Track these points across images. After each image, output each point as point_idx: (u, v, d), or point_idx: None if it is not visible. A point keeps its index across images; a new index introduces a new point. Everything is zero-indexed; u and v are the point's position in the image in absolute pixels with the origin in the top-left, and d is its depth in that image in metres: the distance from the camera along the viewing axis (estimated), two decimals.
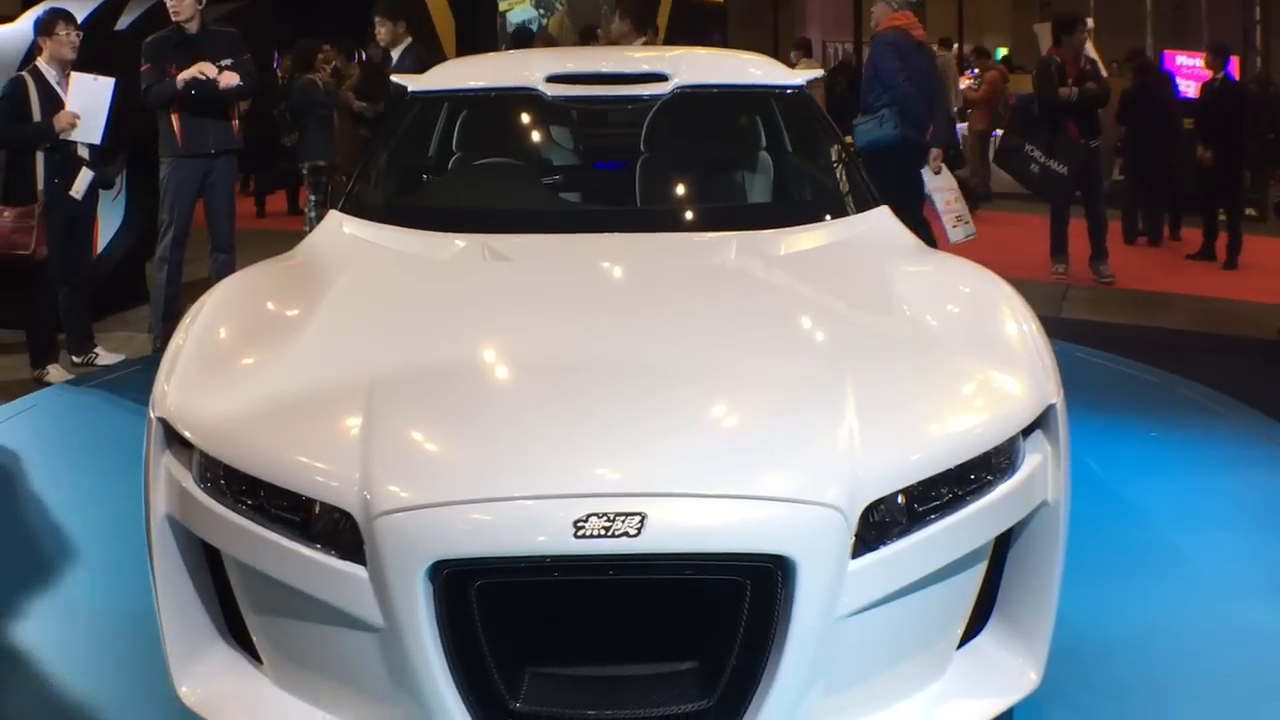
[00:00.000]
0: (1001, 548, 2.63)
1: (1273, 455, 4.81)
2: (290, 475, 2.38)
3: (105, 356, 6.44)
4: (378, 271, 3.33)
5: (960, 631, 2.60)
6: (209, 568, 2.58)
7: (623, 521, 2.18)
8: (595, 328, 2.89)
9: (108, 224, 7.59)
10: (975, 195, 13.97)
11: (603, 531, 2.18)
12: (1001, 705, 2.55)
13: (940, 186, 6.60)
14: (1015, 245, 9.51)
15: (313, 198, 9.06)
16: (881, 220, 3.69)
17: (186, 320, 2.88)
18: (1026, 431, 2.62)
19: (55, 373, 6.13)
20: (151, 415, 2.63)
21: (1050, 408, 2.65)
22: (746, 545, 2.23)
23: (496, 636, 2.24)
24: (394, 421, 2.43)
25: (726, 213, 3.87)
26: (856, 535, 2.30)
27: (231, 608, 2.58)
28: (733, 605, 2.25)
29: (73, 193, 6.10)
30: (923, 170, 6.59)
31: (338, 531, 2.32)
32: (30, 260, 5.86)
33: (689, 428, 2.43)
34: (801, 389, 2.58)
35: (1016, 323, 2.84)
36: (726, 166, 4.26)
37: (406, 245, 3.44)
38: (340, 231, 3.64)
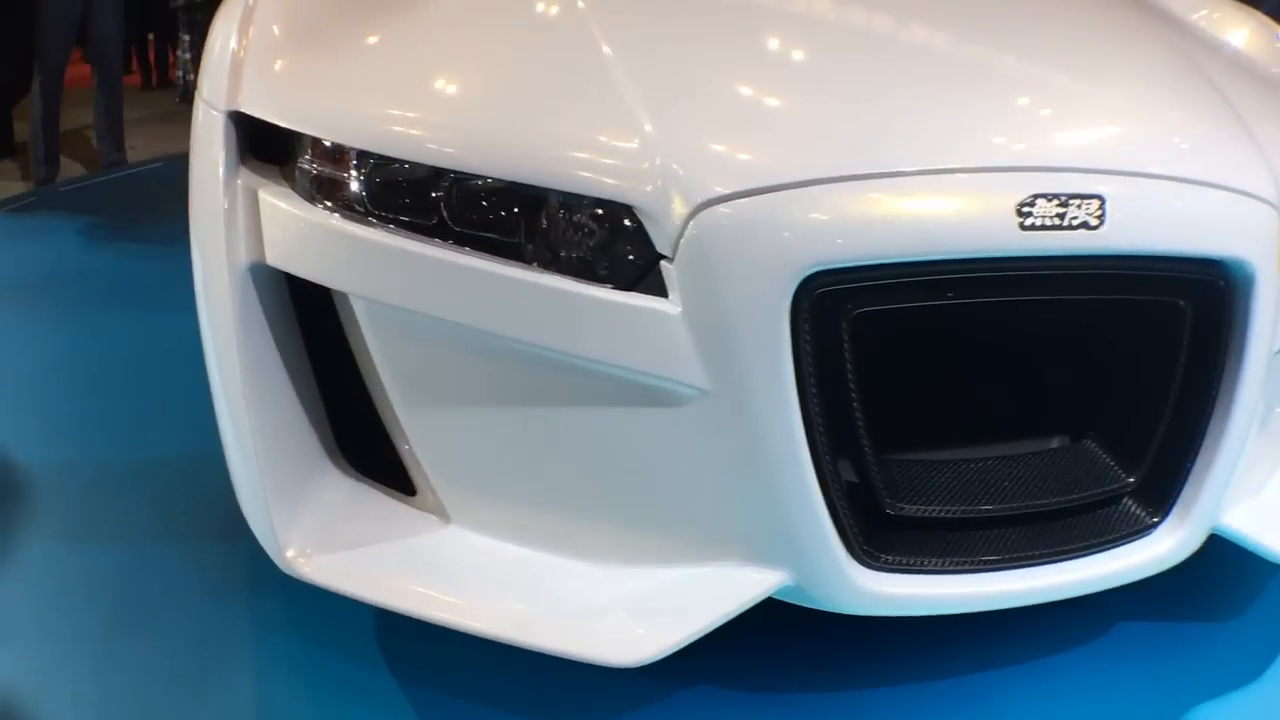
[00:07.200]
0: None
1: None
2: (516, 162, 1.50)
3: None
4: None
5: None
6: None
7: (1079, 206, 1.46)
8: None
9: None
10: None
11: (1056, 220, 1.45)
12: None
13: None
14: None
15: (185, 38, 7.76)
16: None
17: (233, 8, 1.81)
18: None
19: None
20: (217, 113, 1.65)
21: None
22: (1211, 246, 1.56)
23: (869, 401, 1.50)
24: (685, 75, 1.63)
25: None
26: None
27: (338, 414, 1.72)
28: (1165, 339, 1.60)
29: None
30: None
31: (590, 245, 1.48)
32: None
33: (1118, 97, 1.73)
34: (1169, 78, 1.87)
35: None
36: None
37: None
38: None
